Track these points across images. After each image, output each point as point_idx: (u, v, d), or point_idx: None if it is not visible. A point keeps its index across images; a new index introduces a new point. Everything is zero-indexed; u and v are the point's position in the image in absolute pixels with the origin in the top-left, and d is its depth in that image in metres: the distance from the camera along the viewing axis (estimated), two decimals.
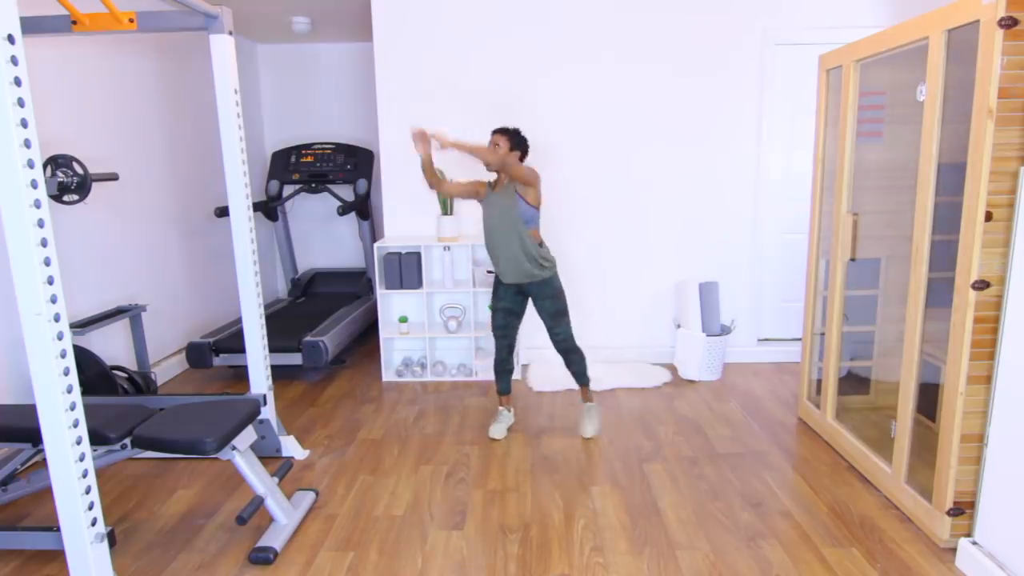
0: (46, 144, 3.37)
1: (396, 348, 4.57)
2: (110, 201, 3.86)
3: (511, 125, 4.01)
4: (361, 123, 5.94)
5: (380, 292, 4.27)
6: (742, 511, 2.61)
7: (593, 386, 3.98)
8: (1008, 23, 1.96)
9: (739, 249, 4.43)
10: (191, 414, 2.41)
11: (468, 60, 4.26)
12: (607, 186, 4.38)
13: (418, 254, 4.20)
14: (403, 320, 4.31)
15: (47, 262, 1.73)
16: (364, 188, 5.32)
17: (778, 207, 4.42)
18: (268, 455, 3.14)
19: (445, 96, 4.29)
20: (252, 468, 2.44)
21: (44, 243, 1.72)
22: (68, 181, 3.18)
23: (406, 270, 4.20)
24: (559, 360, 4.39)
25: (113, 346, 3.88)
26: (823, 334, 3.25)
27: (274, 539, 2.39)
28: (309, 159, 5.51)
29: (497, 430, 3.34)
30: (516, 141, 3.09)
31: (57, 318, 1.76)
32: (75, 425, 1.84)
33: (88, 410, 2.34)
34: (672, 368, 4.38)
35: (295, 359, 4.10)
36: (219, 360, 4.13)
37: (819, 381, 3.31)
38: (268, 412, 3.11)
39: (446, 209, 4.13)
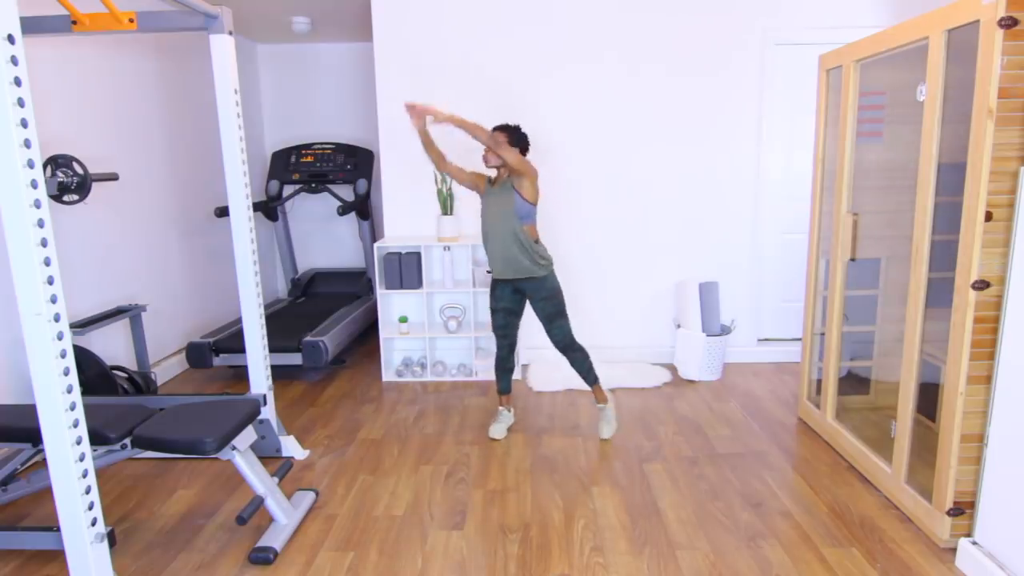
0: (46, 144, 3.37)
1: (396, 348, 4.57)
2: (110, 201, 3.86)
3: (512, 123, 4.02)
4: (361, 123, 5.94)
5: (380, 292, 4.27)
6: (742, 511, 2.61)
7: None
8: (1008, 23, 1.96)
9: (739, 249, 4.43)
10: (191, 414, 2.41)
11: (469, 60, 4.26)
12: (608, 186, 4.38)
13: (418, 254, 4.21)
14: (403, 320, 4.31)
15: (47, 262, 1.73)
16: (364, 188, 5.32)
17: (778, 207, 4.42)
18: (268, 455, 3.14)
19: (446, 96, 4.29)
20: (252, 468, 2.44)
21: (44, 243, 1.72)
22: (68, 181, 3.18)
23: (406, 270, 4.20)
24: (559, 360, 4.39)
25: (113, 346, 3.88)
26: (823, 334, 3.25)
27: (274, 539, 2.39)
28: (309, 159, 5.51)
29: (497, 430, 3.34)
30: (516, 137, 3.08)
31: (57, 318, 1.76)
32: (75, 425, 1.84)
33: (88, 410, 2.34)
34: (672, 368, 4.38)
35: (295, 359, 4.10)
36: (219, 360, 4.13)
37: (819, 381, 3.31)
38: (268, 412, 3.11)
39: (446, 209, 4.13)
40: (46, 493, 2.84)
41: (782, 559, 2.29)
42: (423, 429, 3.49)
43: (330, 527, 2.55)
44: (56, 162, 3.17)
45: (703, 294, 4.14)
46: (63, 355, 1.78)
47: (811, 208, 3.34)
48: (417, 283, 4.22)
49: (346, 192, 5.84)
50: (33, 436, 2.36)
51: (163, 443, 2.27)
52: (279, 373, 4.43)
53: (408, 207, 4.46)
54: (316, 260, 6.17)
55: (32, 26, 2.68)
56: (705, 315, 4.13)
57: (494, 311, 3.28)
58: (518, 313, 3.29)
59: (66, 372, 1.79)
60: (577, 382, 4.07)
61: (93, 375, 3.35)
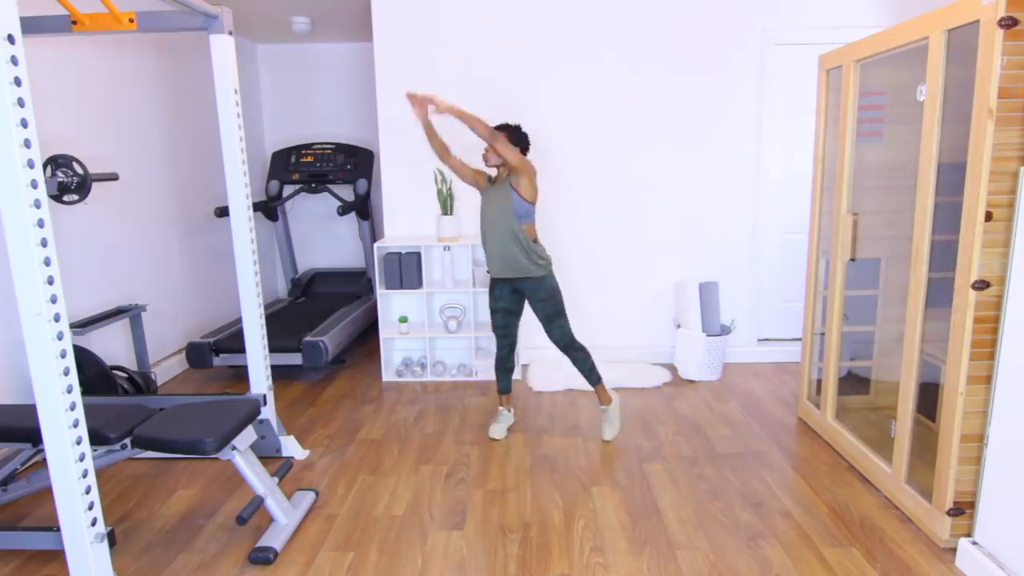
0: (46, 144, 3.37)
1: (396, 348, 4.57)
2: (110, 201, 3.86)
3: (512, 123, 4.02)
4: (361, 123, 5.94)
5: (380, 292, 4.27)
6: (742, 511, 2.61)
7: None
8: (1008, 23, 1.96)
9: (739, 249, 4.43)
10: (191, 414, 2.41)
11: (469, 60, 4.26)
12: (608, 186, 4.38)
13: (418, 254, 4.21)
14: (403, 320, 4.31)
15: (47, 262, 1.73)
16: (364, 188, 5.32)
17: (778, 207, 4.42)
18: (268, 455, 3.14)
19: (446, 96, 4.29)
20: (252, 468, 2.44)
21: (44, 243, 1.72)
22: (68, 181, 3.18)
23: (406, 270, 4.20)
24: (559, 360, 4.39)
25: (113, 346, 3.88)
26: (823, 334, 3.25)
27: (274, 539, 2.39)
28: (309, 159, 5.51)
29: (497, 430, 3.34)
30: (516, 136, 3.08)
31: (57, 318, 1.76)
32: (75, 425, 1.84)
33: (88, 410, 2.34)
34: (672, 368, 4.38)
35: (295, 359, 4.10)
36: (219, 360, 4.13)
37: (819, 381, 3.31)
38: (268, 412, 3.11)
39: (446, 209, 4.13)
40: (46, 493, 2.84)
41: (782, 559, 2.29)
42: (423, 429, 3.49)
43: (330, 527, 2.55)
44: (56, 162, 3.17)
45: (703, 294, 4.14)
46: (63, 355, 1.78)
47: (811, 208, 3.34)
48: (417, 283, 4.22)
49: (346, 192, 5.84)
50: (33, 436, 2.36)
51: (163, 443, 2.27)
52: (279, 373, 4.43)
53: (408, 207, 4.46)
54: (316, 260, 6.17)
55: (32, 26, 2.68)
56: (705, 315, 4.13)
57: (493, 311, 3.28)
58: (517, 313, 3.29)
59: (66, 372, 1.79)
60: (577, 382, 4.07)
61: (93, 375, 3.35)
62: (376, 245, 4.19)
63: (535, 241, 3.14)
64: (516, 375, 4.27)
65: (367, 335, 5.26)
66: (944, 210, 2.34)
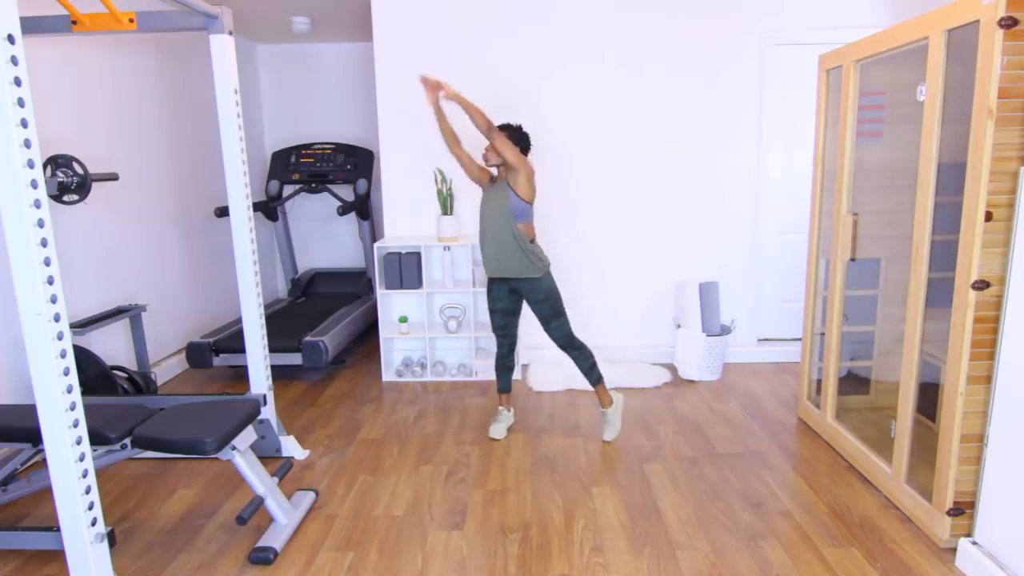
0: (46, 144, 3.37)
1: (396, 348, 4.57)
2: (110, 201, 3.86)
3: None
4: (361, 123, 5.94)
5: (380, 292, 4.27)
6: (742, 511, 2.61)
7: None
8: (1008, 23, 1.96)
9: (739, 249, 4.43)
10: (191, 414, 2.41)
11: (469, 60, 4.26)
12: (608, 186, 4.38)
13: (418, 254, 4.21)
14: (403, 320, 4.31)
15: (47, 262, 1.73)
16: (364, 188, 5.32)
17: (778, 207, 4.42)
18: (268, 455, 3.14)
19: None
20: (252, 468, 2.44)
21: (44, 243, 1.72)
22: (68, 181, 3.18)
23: (406, 270, 4.20)
24: (559, 360, 4.39)
25: (113, 346, 3.88)
26: (823, 334, 3.25)
27: (274, 539, 2.39)
28: (309, 159, 5.51)
29: (497, 430, 3.34)
30: (517, 136, 3.08)
31: (57, 318, 1.76)
32: (75, 425, 1.84)
33: (88, 410, 2.34)
34: (672, 368, 4.38)
35: (295, 359, 4.10)
36: (219, 360, 4.13)
37: (819, 381, 3.31)
38: (268, 412, 3.11)
39: (446, 209, 4.13)
40: (46, 493, 2.84)
41: (782, 559, 2.29)
42: (423, 429, 3.49)
43: (330, 527, 2.55)
44: (56, 162, 3.17)
45: (703, 294, 4.14)
46: (63, 355, 1.78)
47: (811, 208, 3.34)
48: (417, 283, 4.22)
49: (346, 192, 5.84)
50: (33, 436, 2.36)
51: (163, 443, 2.27)
52: (279, 373, 4.43)
53: (408, 207, 4.46)
54: (316, 260, 6.17)
55: (32, 26, 2.68)
56: (705, 315, 4.13)
57: (492, 312, 3.28)
58: (516, 313, 3.29)
59: (66, 372, 1.79)
60: (577, 382, 4.07)
61: (93, 375, 3.35)
62: (376, 245, 4.19)
63: (532, 241, 3.13)
64: (516, 375, 4.27)
65: (367, 335, 5.26)
66: (944, 210, 2.34)
